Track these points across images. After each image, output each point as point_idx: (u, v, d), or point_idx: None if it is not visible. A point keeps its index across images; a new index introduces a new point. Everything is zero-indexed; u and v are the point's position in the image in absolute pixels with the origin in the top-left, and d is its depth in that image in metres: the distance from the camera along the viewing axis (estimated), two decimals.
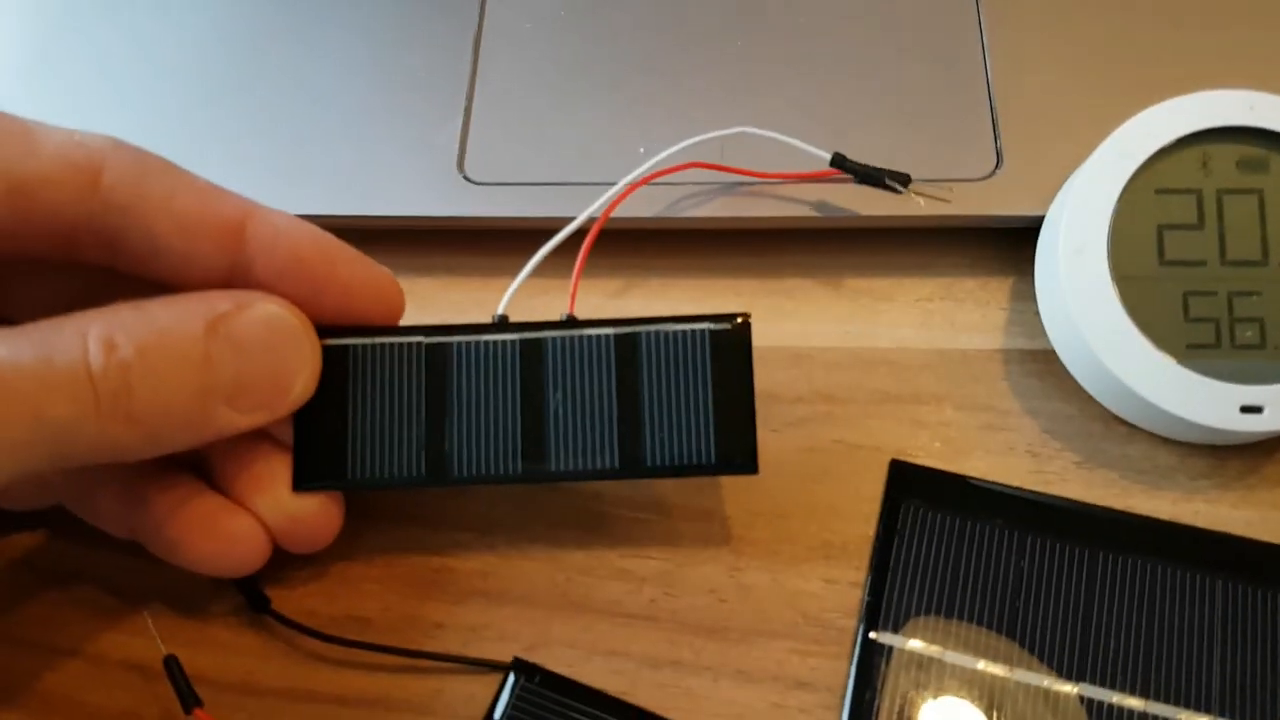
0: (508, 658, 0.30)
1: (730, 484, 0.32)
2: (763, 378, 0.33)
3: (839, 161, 0.33)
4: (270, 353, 0.27)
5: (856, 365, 0.34)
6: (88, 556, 0.32)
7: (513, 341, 0.30)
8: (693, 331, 0.30)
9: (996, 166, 0.34)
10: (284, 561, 0.31)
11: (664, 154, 0.34)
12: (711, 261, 0.36)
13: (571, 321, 0.30)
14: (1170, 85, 0.32)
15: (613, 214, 0.34)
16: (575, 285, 0.32)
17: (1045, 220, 0.33)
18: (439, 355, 0.30)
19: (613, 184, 0.34)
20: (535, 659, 0.30)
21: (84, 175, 0.26)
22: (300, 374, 0.28)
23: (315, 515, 0.29)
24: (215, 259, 0.27)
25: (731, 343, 0.30)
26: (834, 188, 0.35)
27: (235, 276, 0.28)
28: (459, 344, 0.30)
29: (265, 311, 0.27)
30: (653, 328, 0.30)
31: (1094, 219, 0.31)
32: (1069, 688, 0.28)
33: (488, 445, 0.30)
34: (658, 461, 0.29)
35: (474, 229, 0.36)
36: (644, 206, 0.35)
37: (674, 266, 0.36)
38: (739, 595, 0.31)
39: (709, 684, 0.30)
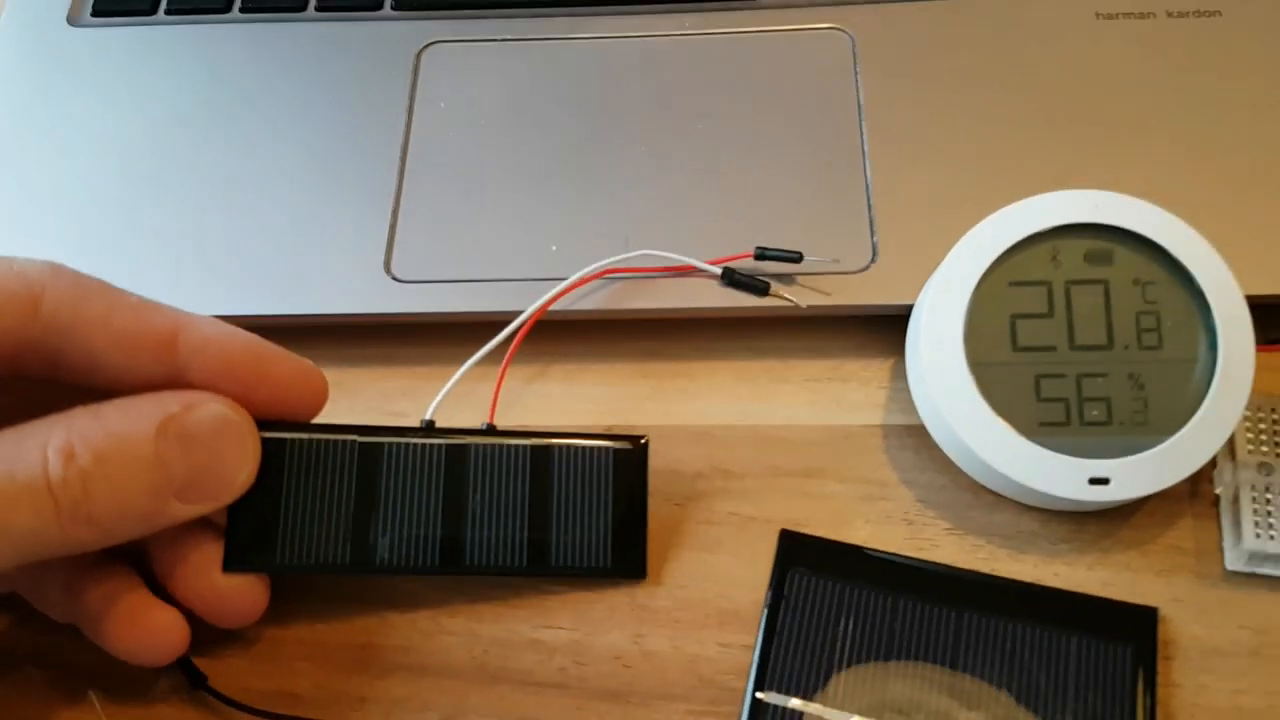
0: None
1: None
2: (667, 454, 0.36)
3: (728, 275, 0.37)
4: (216, 449, 0.30)
5: (752, 442, 0.37)
6: (34, 638, 0.34)
7: (439, 446, 0.33)
8: (599, 448, 0.34)
9: (873, 259, 0.37)
10: (221, 640, 0.33)
11: (581, 272, 0.37)
12: (621, 347, 0.39)
13: (492, 430, 0.34)
14: (1028, 186, 0.36)
15: (529, 307, 0.37)
16: (496, 395, 0.36)
17: (912, 311, 0.36)
18: (370, 454, 0.33)
19: (529, 280, 0.38)
20: None
21: (24, 304, 0.28)
22: (244, 467, 0.30)
23: (243, 595, 0.32)
24: (152, 368, 0.30)
25: (631, 461, 0.34)
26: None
27: (172, 382, 0.30)
28: (389, 445, 0.33)
29: (211, 411, 0.29)
30: (564, 442, 0.34)
31: (951, 311, 0.34)
32: None
33: (410, 539, 0.33)
34: (560, 563, 0.33)
35: (401, 324, 0.39)
36: (559, 301, 0.37)
37: (586, 353, 0.39)
38: (642, 661, 0.34)
39: None
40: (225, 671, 0.34)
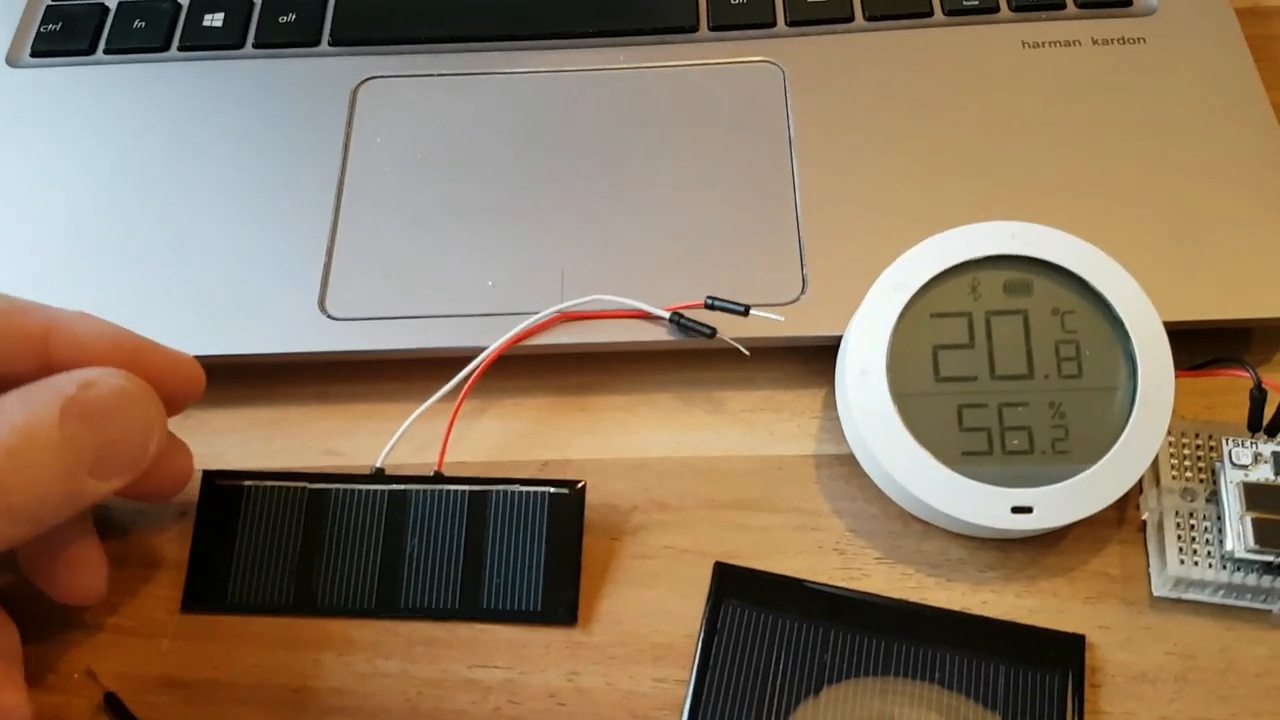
0: None
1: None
2: (604, 489, 0.36)
3: (675, 319, 0.37)
4: (121, 421, 0.30)
5: (688, 473, 0.37)
6: None
7: (383, 492, 0.35)
8: (535, 493, 0.35)
9: (802, 292, 0.38)
10: (156, 685, 0.33)
11: (535, 319, 0.38)
12: (562, 381, 0.40)
13: (438, 478, 0.36)
14: (953, 216, 0.36)
15: (468, 343, 0.37)
16: (445, 442, 0.37)
17: (840, 343, 0.36)
18: (319, 499, 0.35)
19: (464, 315, 0.38)
20: None
21: None
22: (152, 435, 0.31)
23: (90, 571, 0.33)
24: (27, 365, 0.30)
25: (567, 504, 0.35)
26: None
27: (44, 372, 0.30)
28: (337, 490, 0.35)
29: (109, 385, 0.29)
30: (502, 487, 0.35)
31: (875, 343, 0.34)
32: None
33: (350, 582, 0.35)
34: (492, 606, 0.34)
35: (337, 362, 0.39)
36: (498, 335, 0.37)
37: (526, 388, 0.40)
38: (576, 699, 0.34)
39: None
40: (161, 715, 0.34)
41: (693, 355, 0.39)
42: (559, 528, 0.35)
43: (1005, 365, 0.34)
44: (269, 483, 0.35)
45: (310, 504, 0.35)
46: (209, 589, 0.35)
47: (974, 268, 0.35)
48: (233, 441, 0.38)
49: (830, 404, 0.38)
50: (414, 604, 0.34)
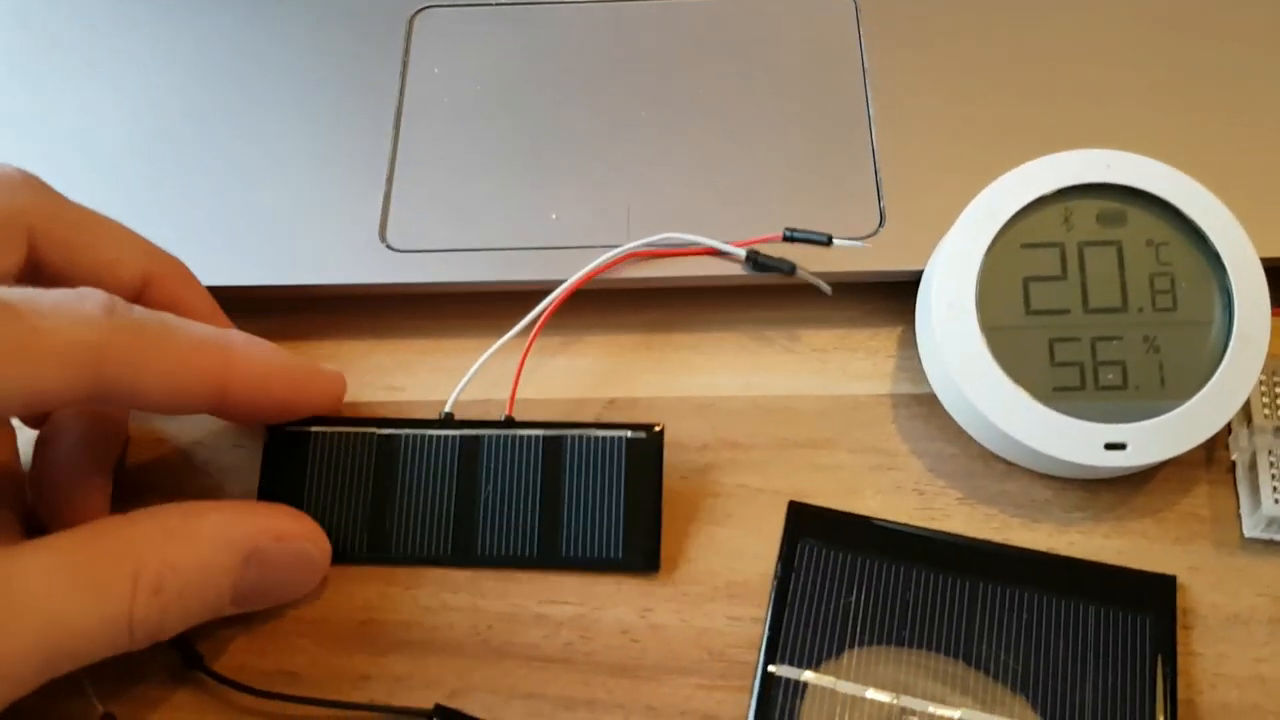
0: (430, 705, 0.31)
1: None
2: (672, 427, 0.35)
3: (752, 255, 0.36)
4: (290, 577, 0.31)
5: (759, 413, 0.36)
6: None
7: (454, 437, 0.34)
8: (612, 438, 0.33)
9: (880, 225, 0.37)
10: (217, 620, 0.32)
11: (606, 256, 0.36)
12: (624, 319, 0.39)
13: (509, 422, 0.34)
14: (1038, 147, 0.35)
15: (531, 277, 0.36)
16: (515, 388, 0.35)
17: (922, 276, 0.35)
18: (389, 445, 0.34)
19: (528, 249, 0.37)
20: (457, 704, 0.32)
21: (85, 378, 0.26)
22: (304, 590, 0.32)
23: None
24: (200, 408, 0.30)
25: (645, 449, 0.33)
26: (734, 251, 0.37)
27: (218, 409, 0.31)
28: (407, 436, 0.34)
29: (297, 549, 0.31)
30: (577, 432, 0.33)
31: (963, 275, 0.33)
32: (953, 712, 0.30)
33: (424, 530, 0.33)
34: (571, 554, 0.33)
35: (396, 294, 0.38)
36: (563, 269, 0.36)
37: (591, 325, 0.39)
38: (649, 635, 0.33)
39: None
40: (222, 651, 0.33)
41: (762, 292, 0.38)
42: (637, 473, 0.33)
43: (1099, 298, 0.33)
44: (337, 428, 0.34)
45: (380, 450, 0.34)
46: None
47: (1066, 197, 0.34)
48: None
49: (907, 342, 0.37)
50: (491, 553, 0.33)
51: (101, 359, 0.27)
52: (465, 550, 0.33)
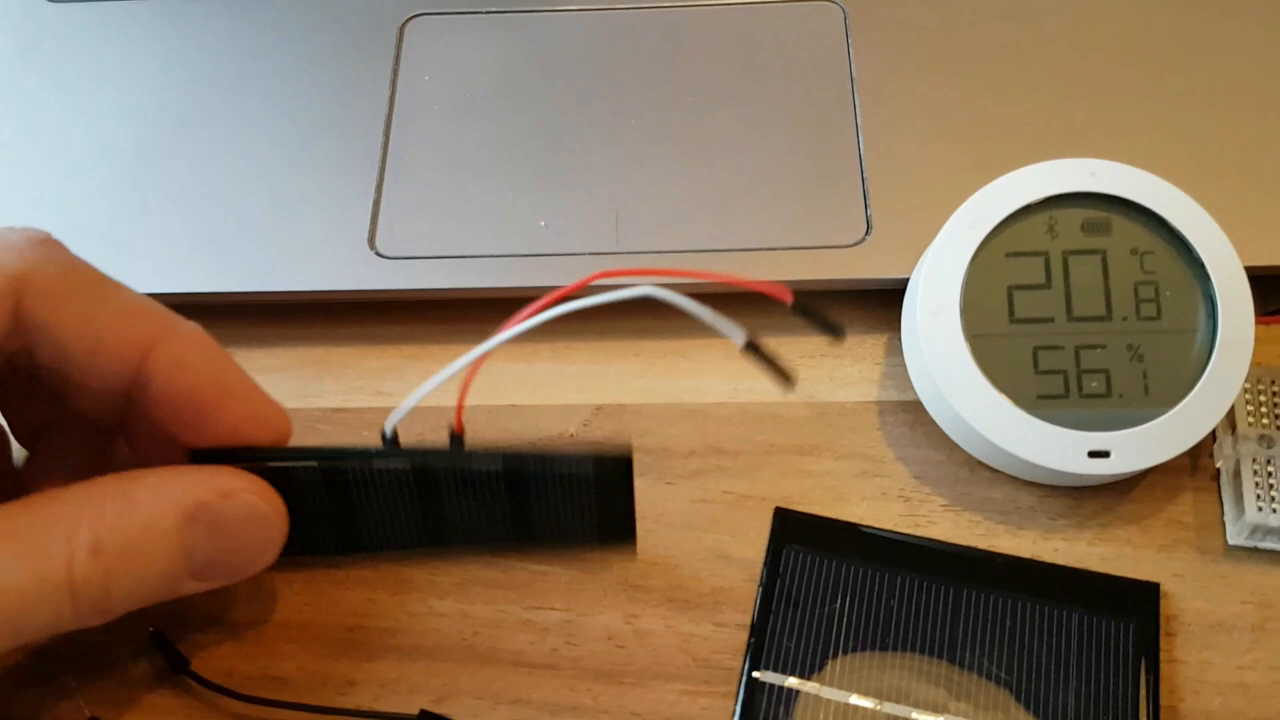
0: (416, 710, 0.32)
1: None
2: (659, 433, 0.35)
3: (751, 347, 0.31)
4: (244, 540, 0.29)
5: (745, 419, 0.36)
6: None
7: (405, 471, 0.30)
8: (577, 460, 0.30)
9: (866, 233, 0.37)
10: (204, 623, 0.33)
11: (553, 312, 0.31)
12: (612, 325, 0.39)
13: (458, 446, 0.30)
14: (1022, 156, 0.35)
15: (520, 284, 0.36)
16: (461, 402, 0.31)
17: (908, 284, 0.35)
18: (335, 477, 0.30)
19: (516, 256, 0.37)
20: (443, 710, 0.32)
21: (3, 306, 0.26)
22: (266, 556, 0.29)
23: None
24: (118, 373, 0.28)
25: (613, 471, 0.30)
26: (722, 256, 0.37)
27: (133, 389, 0.28)
28: (353, 470, 0.30)
29: (245, 503, 0.28)
30: (538, 467, 0.30)
31: (948, 283, 0.33)
32: (936, 718, 0.31)
33: (396, 533, 0.32)
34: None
35: (385, 300, 0.38)
36: (549, 277, 0.36)
37: (578, 331, 0.39)
38: (635, 641, 0.33)
39: None
40: (208, 655, 0.33)
41: (749, 300, 0.38)
42: (608, 493, 0.31)
43: (1083, 306, 0.33)
44: (276, 463, 0.29)
45: (328, 480, 0.30)
46: None
47: (1051, 206, 0.34)
48: (281, 380, 0.37)
49: (893, 350, 0.37)
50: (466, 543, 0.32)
51: (23, 288, 0.26)
52: (440, 543, 0.32)
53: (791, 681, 0.31)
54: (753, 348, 0.31)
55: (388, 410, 0.35)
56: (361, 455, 0.30)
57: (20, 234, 0.27)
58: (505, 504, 0.31)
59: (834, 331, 0.34)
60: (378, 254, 0.38)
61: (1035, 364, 0.33)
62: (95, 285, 0.28)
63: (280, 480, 0.29)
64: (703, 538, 0.34)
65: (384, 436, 0.31)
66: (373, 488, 0.30)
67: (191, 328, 0.29)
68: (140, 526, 0.27)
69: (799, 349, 0.38)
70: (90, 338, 0.27)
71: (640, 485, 0.34)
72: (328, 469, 0.30)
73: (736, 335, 0.30)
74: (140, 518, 0.27)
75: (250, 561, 0.29)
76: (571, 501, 0.31)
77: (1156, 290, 0.33)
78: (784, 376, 0.31)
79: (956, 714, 0.30)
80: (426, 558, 0.34)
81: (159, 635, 0.33)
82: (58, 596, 0.26)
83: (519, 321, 0.30)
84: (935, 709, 0.31)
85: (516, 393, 0.37)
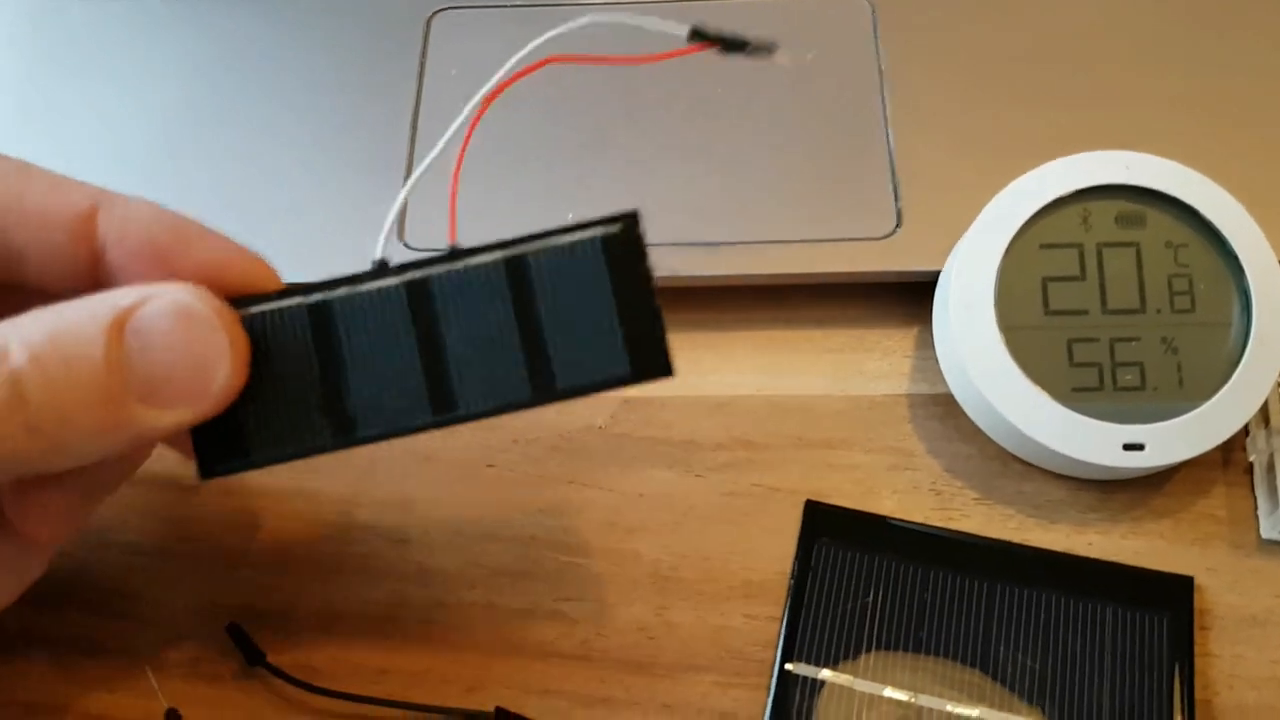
0: (449, 700, 0.32)
1: (657, 528, 0.34)
2: (687, 426, 0.35)
3: (696, 34, 0.30)
4: (182, 345, 0.25)
5: (774, 413, 0.36)
6: (84, 622, 0.34)
7: (396, 287, 0.28)
8: (582, 241, 0.28)
9: (897, 226, 0.37)
10: (236, 614, 0.33)
11: (517, 55, 0.32)
12: None
13: (455, 253, 0.28)
14: (1056, 148, 0.35)
15: None
16: (453, 206, 0.29)
17: (940, 276, 0.35)
18: (321, 314, 0.28)
19: None
20: (475, 700, 0.32)
21: None
22: (220, 364, 0.26)
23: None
24: (71, 249, 0.27)
25: (625, 243, 0.28)
26: (749, 249, 0.37)
27: (98, 271, 0.27)
28: (340, 299, 0.28)
29: (171, 301, 0.25)
30: (540, 244, 0.28)
31: (981, 275, 0.33)
32: (970, 711, 0.30)
33: (390, 398, 0.28)
34: (570, 384, 0.28)
35: None
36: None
37: None
38: (666, 633, 0.33)
39: (638, 719, 0.31)
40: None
41: (775, 292, 0.38)
42: (623, 272, 0.27)
43: (1117, 299, 0.33)
44: (253, 309, 0.27)
45: (314, 321, 0.28)
46: (224, 446, 0.28)
47: (1085, 198, 0.34)
48: None
49: (924, 343, 0.37)
50: (476, 407, 0.28)
51: None
52: (446, 410, 0.28)
53: (824, 674, 0.31)
54: (697, 34, 0.29)
55: None
56: (349, 281, 0.28)
57: None
58: (511, 319, 0.28)
59: (735, 45, 0.30)
60: (407, 246, 0.38)
61: (1070, 357, 0.33)
62: (22, 170, 0.27)
63: (263, 334, 0.27)
64: (732, 531, 0.34)
65: (373, 263, 0.28)
66: (365, 325, 0.28)
67: (132, 195, 0.28)
68: (53, 334, 0.24)
69: (830, 342, 0.38)
70: (27, 211, 0.26)
71: (669, 478, 0.34)
72: (314, 306, 0.28)
73: (679, 29, 0.29)
74: (52, 325, 0.25)
75: (201, 371, 0.26)
76: (583, 290, 0.28)
77: (1191, 283, 0.33)
78: (739, 45, 0.30)
79: (990, 708, 0.30)
80: (455, 549, 0.34)
81: (235, 627, 0.33)
82: (5, 395, 0.24)
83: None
84: (969, 702, 0.30)
85: None
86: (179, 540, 0.35)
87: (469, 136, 0.31)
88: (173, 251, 0.27)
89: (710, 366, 0.37)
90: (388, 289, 0.28)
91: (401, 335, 0.28)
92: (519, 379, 0.28)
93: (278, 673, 0.32)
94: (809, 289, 0.37)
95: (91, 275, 0.27)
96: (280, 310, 0.28)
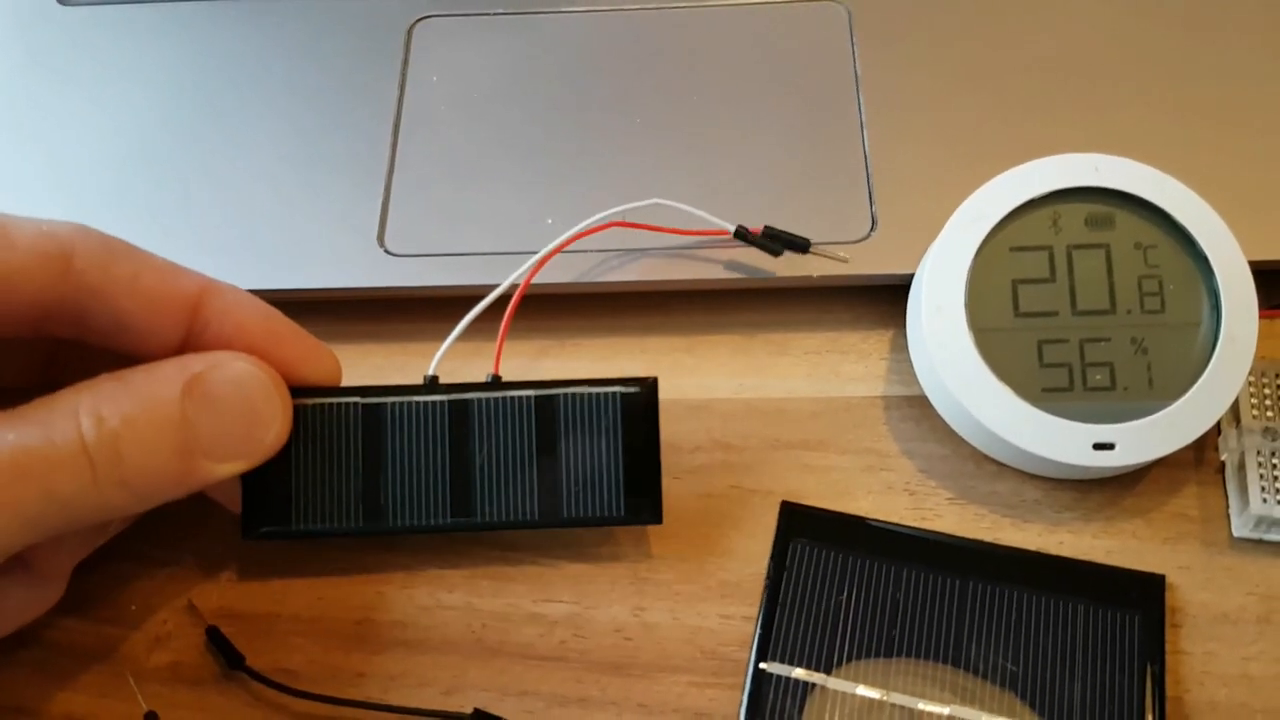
0: (427, 702, 0.32)
1: (635, 529, 0.35)
2: (665, 428, 0.35)
3: (741, 234, 0.36)
4: (243, 407, 0.29)
5: (751, 415, 0.37)
6: (67, 625, 0.34)
7: (442, 402, 0.32)
8: (605, 394, 0.32)
9: (872, 229, 0.37)
10: (215, 616, 0.33)
11: (586, 221, 0.36)
12: (620, 323, 0.39)
13: (496, 383, 0.33)
14: (1028, 151, 0.35)
15: (532, 281, 0.37)
16: (500, 347, 0.35)
17: (913, 279, 0.35)
18: (374, 415, 0.32)
19: (524, 253, 0.37)
20: (453, 702, 0.32)
21: (55, 264, 0.28)
22: (273, 424, 0.30)
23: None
24: (173, 331, 0.30)
25: (639, 403, 0.32)
26: (728, 252, 0.37)
27: (188, 346, 0.30)
28: (392, 404, 0.32)
29: (236, 370, 0.29)
30: (569, 390, 0.32)
31: (952, 278, 0.34)
32: (943, 709, 0.31)
33: (420, 498, 0.32)
34: (573, 514, 0.32)
35: (394, 298, 0.38)
36: (559, 273, 0.37)
37: (585, 328, 0.39)
38: (642, 633, 0.33)
39: (614, 719, 0.32)
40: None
41: (752, 296, 0.39)
42: (633, 427, 0.32)
43: (1087, 300, 0.33)
44: (317, 400, 0.32)
45: (366, 419, 0.32)
46: (269, 513, 0.32)
47: (1055, 200, 0.34)
48: None
49: (898, 345, 0.37)
50: (491, 517, 0.32)
51: (70, 253, 0.28)
52: (465, 515, 0.32)
53: (798, 673, 0.31)
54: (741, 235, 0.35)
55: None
56: (403, 391, 0.32)
57: (55, 220, 0.29)
58: (532, 444, 0.32)
59: (798, 246, 0.35)
60: (387, 252, 0.38)
61: (1040, 358, 0.33)
62: (135, 252, 0.29)
63: (322, 423, 0.32)
64: (709, 532, 0.35)
65: (425, 378, 0.33)
66: (409, 431, 0.32)
67: (231, 285, 0.31)
68: (138, 399, 0.28)
69: (805, 345, 0.38)
70: (142, 293, 0.29)
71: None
72: (369, 406, 0.32)
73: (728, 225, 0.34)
74: (138, 391, 0.28)
75: (256, 430, 0.30)
76: (598, 435, 0.32)
77: (1160, 284, 0.33)
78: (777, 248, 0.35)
79: (962, 704, 0.31)
80: (434, 549, 0.34)
81: (215, 631, 0.33)
82: (76, 462, 0.27)
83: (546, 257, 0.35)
84: (941, 699, 0.31)
85: None
86: (159, 545, 0.35)
87: (529, 280, 0.36)
88: (262, 344, 0.30)
89: (688, 369, 0.38)
90: (434, 403, 0.32)
91: (439, 444, 0.32)
92: (531, 502, 0.32)
93: (257, 676, 0.32)
94: (786, 292, 0.37)
95: (179, 349, 0.30)
96: (341, 405, 0.32)
